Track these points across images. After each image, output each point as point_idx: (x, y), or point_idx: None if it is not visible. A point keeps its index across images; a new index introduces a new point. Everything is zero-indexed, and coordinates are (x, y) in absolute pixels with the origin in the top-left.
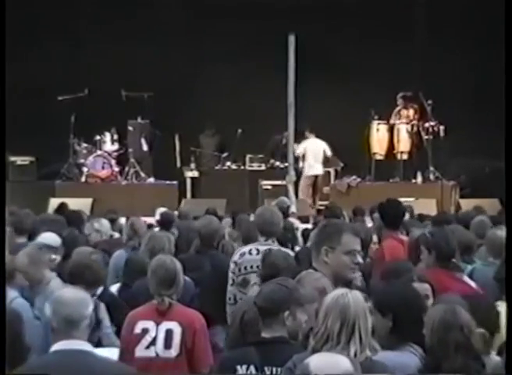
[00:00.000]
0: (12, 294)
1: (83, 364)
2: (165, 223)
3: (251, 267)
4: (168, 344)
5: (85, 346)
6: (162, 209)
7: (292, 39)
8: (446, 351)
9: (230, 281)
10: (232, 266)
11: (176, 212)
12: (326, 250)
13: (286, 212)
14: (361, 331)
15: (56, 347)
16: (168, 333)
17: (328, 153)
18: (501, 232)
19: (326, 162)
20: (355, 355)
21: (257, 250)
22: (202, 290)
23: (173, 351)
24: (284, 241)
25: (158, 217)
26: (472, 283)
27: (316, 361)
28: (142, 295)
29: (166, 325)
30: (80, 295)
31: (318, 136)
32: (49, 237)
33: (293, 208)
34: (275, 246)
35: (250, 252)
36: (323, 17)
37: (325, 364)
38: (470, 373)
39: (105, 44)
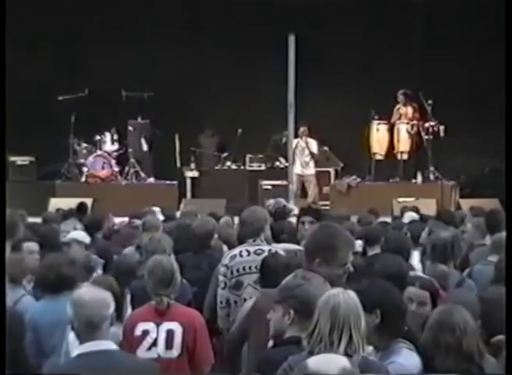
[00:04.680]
0: (19, 292)
1: (110, 363)
2: None
3: (243, 269)
4: (169, 345)
5: (109, 345)
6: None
7: (292, 39)
8: (438, 351)
9: (222, 285)
10: (223, 269)
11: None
12: (320, 262)
13: (284, 213)
14: (352, 331)
15: (81, 349)
16: (169, 334)
17: (315, 151)
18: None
19: (313, 159)
20: (348, 354)
21: (248, 251)
22: (200, 289)
23: (175, 352)
24: (279, 241)
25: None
26: None
27: (314, 360)
28: (137, 297)
29: (167, 325)
30: (100, 296)
31: (310, 134)
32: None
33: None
34: (265, 246)
35: (240, 254)
36: (323, 17)
37: (324, 363)
38: (462, 373)
39: (105, 44)
